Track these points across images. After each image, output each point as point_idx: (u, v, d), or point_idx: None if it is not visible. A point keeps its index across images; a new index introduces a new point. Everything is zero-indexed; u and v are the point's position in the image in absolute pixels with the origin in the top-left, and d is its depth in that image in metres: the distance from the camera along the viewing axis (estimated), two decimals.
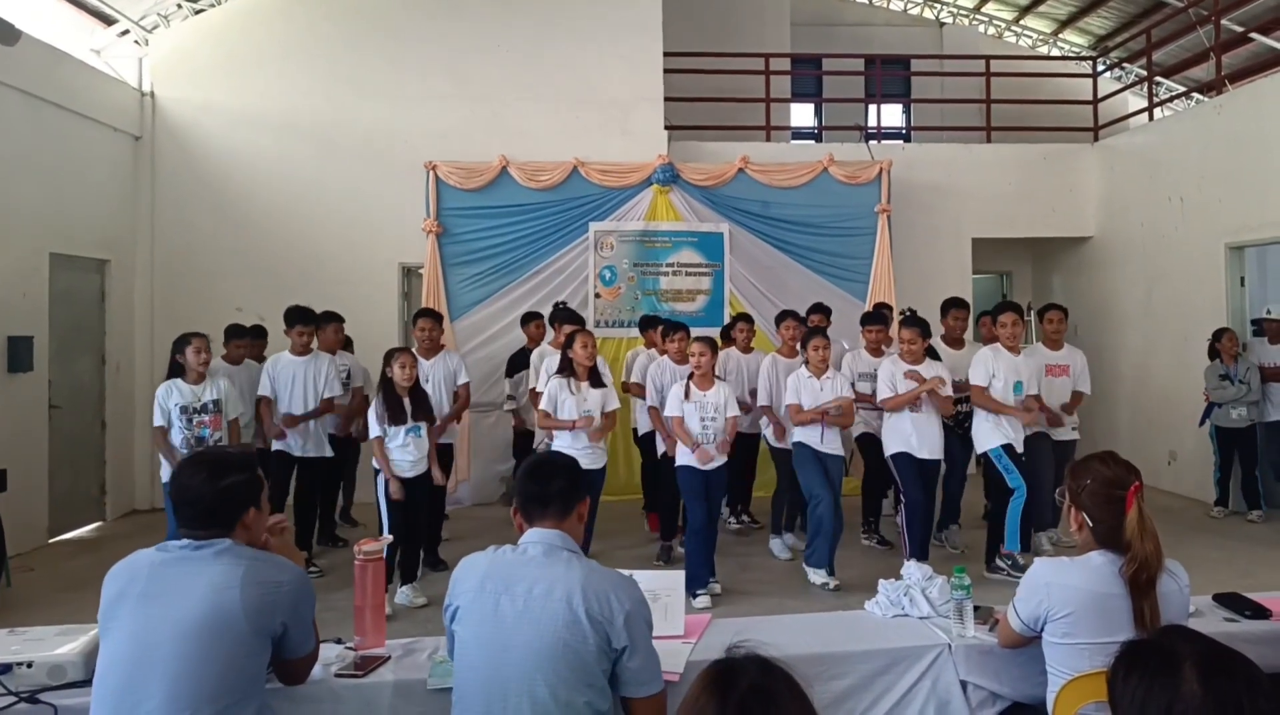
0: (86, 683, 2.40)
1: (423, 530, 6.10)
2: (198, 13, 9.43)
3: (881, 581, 3.32)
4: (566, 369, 5.96)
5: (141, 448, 8.78)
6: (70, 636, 2.69)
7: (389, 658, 2.83)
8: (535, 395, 6.94)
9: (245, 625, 2.23)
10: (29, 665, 2.55)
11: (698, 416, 5.84)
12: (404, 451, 5.69)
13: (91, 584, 2.39)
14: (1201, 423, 8.20)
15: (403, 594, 5.75)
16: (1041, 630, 2.57)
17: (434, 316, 6.82)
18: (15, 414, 7.26)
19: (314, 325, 6.69)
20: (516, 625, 2.28)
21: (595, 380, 6.01)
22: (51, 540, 7.68)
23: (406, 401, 5.71)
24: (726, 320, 8.65)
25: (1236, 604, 3.16)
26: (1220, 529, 7.75)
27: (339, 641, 2.92)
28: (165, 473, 5.73)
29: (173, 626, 2.19)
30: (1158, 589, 2.46)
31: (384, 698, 2.67)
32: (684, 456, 5.89)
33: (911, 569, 3.30)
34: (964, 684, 2.89)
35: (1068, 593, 2.50)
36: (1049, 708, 2.52)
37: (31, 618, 4.60)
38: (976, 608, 3.01)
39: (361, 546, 3.04)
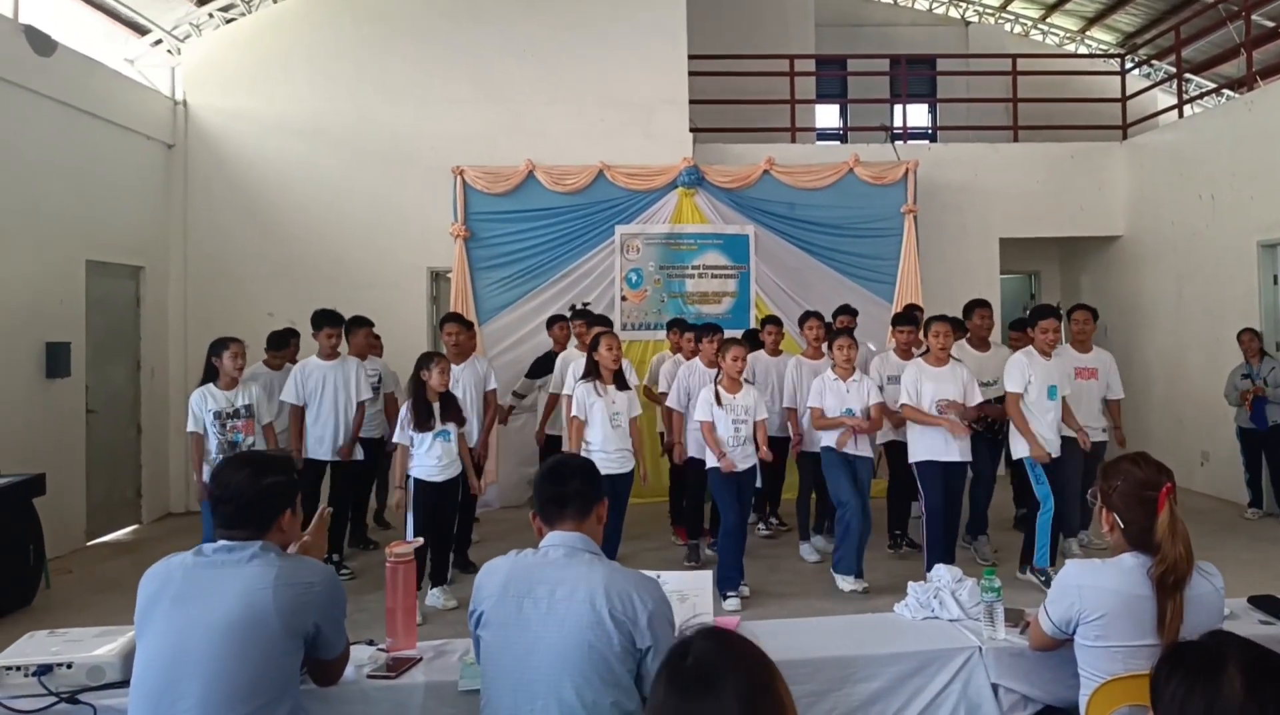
0: (125, 683, 2.43)
1: (452, 533, 6.12)
2: (228, 22, 9.55)
3: (911, 584, 3.31)
4: (592, 372, 5.95)
5: (176, 452, 8.89)
6: (109, 638, 2.74)
7: (420, 659, 2.86)
8: (555, 399, 6.99)
9: (278, 626, 2.26)
10: (69, 666, 2.60)
11: (729, 419, 5.80)
12: (431, 456, 5.67)
13: (128, 586, 2.43)
14: (1253, 420, 7.96)
15: (434, 596, 5.80)
16: (1073, 633, 2.55)
17: (461, 321, 6.83)
18: (53, 419, 7.38)
19: (341, 327, 6.73)
20: (541, 628, 2.30)
21: (621, 383, 6.00)
22: (89, 543, 7.79)
23: (436, 406, 5.73)
24: (753, 322, 8.66)
25: (1272, 606, 3.12)
26: (1254, 530, 7.65)
27: (371, 643, 2.95)
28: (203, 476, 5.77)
29: (207, 628, 2.22)
30: (1191, 591, 2.43)
31: (415, 699, 2.70)
32: (715, 458, 5.87)
33: (941, 571, 3.29)
34: (995, 687, 2.88)
35: (1100, 595, 2.48)
36: (1081, 711, 2.50)
37: (70, 619, 4.68)
38: (1007, 610, 3.00)
39: (393, 549, 3.07)
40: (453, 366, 6.26)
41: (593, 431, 5.88)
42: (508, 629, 2.34)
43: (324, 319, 6.66)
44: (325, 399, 6.56)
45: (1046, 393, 5.89)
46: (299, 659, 2.37)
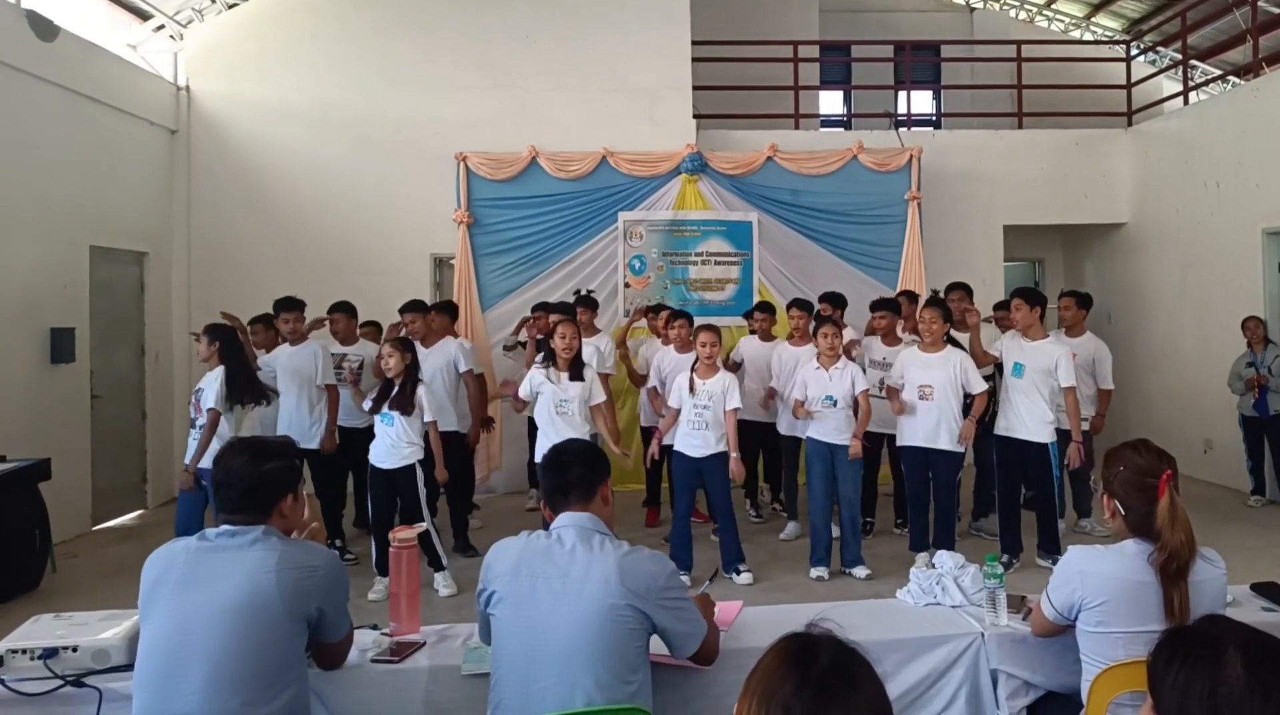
0: (129, 667, 2.44)
1: (421, 520, 5.69)
2: (231, 7, 9.52)
3: (914, 570, 3.32)
4: (549, 357, 5.85)
5: (180, 437, 8.87)
6: (114, 621, 2.75)
7: (424, 644, 2.88)
8: None
9: (281, 609, 2.28)
10: (74, 649, 2.61)
11: (691, 404, 5.82)
12: (379, 440, 5.73)
13: (133, 570, 2.44)
14: (1256, 408, 7.97)
15: (437, 581, 5.79)
16: (1075, 619, 2.55)
17: (418, 308, 6.76)
18: (58, 404, 7.40)
19: (297, 311, 6.65)
20: (554, 608, 2.33)
21: (575, 373, 5.84)
22: (95, 527, 7.83)
23: (395, 390, 5.70)
24: None
25: (1274, 593, 3.13)
26: (1257, 518, 7.66)
27: (375, 628, 2.96)
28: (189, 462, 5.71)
29: (210, 612, 2.24)
30: (1193, 577, 2.44)
31: (419, 683, 2.72)
32: (676, 441, 5.91)
33: (944, 557, 3.30)
34: (996, 673, 2.88)
35: (1102, 581, 2.49)
36: (1083, 697, 2.51)
37: (76, 603, 4.71)
38: (1009, 596, 3.01)
39: (396, 534, 3.08)
40: (421, 349, 6.30)
41: (539, 416, 5.87)
42: (520, 609, 2.37)
43: (279, 305, 6.63)
44: (283, 381, 6.53)
45: (1012, 370, 6.01)
46: (303, 643, 2.39)
